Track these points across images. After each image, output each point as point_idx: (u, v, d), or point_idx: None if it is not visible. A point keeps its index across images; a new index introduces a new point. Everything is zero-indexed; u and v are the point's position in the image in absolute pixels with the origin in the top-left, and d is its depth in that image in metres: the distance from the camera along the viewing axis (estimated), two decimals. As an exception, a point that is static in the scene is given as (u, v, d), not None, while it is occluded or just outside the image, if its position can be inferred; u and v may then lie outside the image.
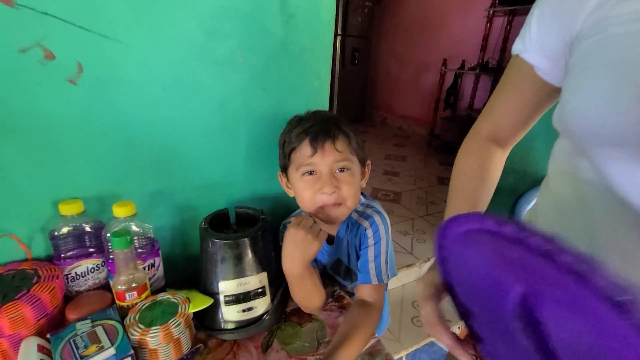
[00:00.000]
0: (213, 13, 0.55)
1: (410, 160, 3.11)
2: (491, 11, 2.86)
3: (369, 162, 0.64)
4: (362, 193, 0.66)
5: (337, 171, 0.56)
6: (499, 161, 0.46)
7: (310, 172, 0.56)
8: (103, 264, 0.59)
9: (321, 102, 0.72)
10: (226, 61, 0.59)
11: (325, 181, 0.55)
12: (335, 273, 0.71)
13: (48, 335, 0.46)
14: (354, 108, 4.48)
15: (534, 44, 0.37)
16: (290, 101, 0.68)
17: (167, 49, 0.54)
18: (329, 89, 0.72)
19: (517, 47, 0.40)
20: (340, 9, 3.91)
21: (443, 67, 3.38)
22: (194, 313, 0.54)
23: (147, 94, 0.55)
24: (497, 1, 2.80)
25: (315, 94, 0.71)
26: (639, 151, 0.27)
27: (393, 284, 1.59)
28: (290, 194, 0.61)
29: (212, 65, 0.58)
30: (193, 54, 0.56)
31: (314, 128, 0.55)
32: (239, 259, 0.55)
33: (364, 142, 0.69)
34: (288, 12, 0.61)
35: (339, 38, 4.04)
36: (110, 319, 0.49)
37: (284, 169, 0.61)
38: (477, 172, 0.44)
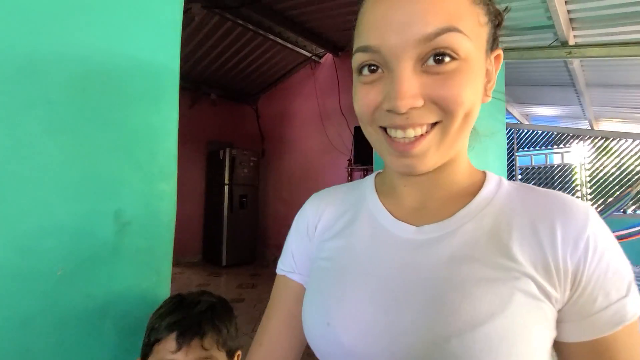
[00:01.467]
0: (31, 233, 0.56)
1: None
2: (349, 168, 3.63)
3: (239, 352, 0.63)
4: None
5: None
6: None
7: None
8: None
9: (162, 295, 0.72)
10: (41, 275, 0.57)
11: None
12: None
13: None
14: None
15: (298, 266, 0.48)
16: (122, 301, 0.66)
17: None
18: (169, 283, 0.73)
19: (280, 268, 0.50)
20: (227, 163, 4.34)
21: (321, 211, 3.87)
22: None
23: None
24: (352, 161, 3.61)
25: (154, 289, 0.71)
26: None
27: None
28: None
29: (22, 281, 0.55)
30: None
31: (184, 322, 0.55)
32: None
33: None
34: (123, 221, 0.66)
35: (226, 187, 4.33)
36: None
37: (144, 356, 0.57)
38: None
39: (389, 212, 0.42)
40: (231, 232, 4.34)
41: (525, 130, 6.03)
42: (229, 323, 0.60)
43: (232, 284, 3.69)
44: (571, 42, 2.48)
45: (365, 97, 0.35)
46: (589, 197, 5.48)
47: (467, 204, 0.38)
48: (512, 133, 6.06)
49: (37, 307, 0.57)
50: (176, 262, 4.60)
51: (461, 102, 0.32)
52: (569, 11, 2.25)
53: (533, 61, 3.00)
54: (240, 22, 3.34)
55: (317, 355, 0.39)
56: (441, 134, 0.34)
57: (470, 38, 0.33)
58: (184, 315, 0.57)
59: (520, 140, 6.16)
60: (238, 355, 0.63)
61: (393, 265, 0.37)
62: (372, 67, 0.35)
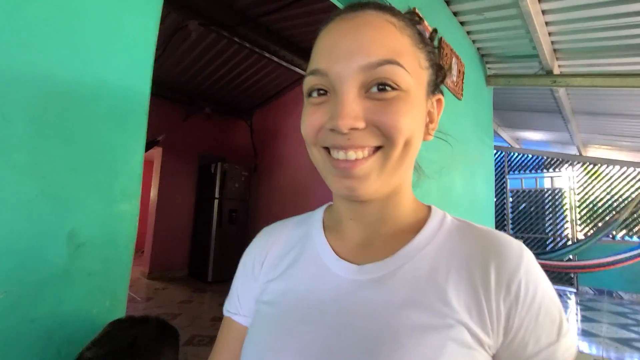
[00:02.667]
0: (-28, 254, 0.54)
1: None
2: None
3: None
4: None
5: None
6: None
7: None
8: None
9: (116, 316, 0.69)
10: (-19, 299, 0.54)
11: None
12: None
13: None
14: (232, 265, 4.39)
15: (243, 307, 0.47)
16: (69, 327, 0.63)
17: None
18: (124, 308, 0.71)
19: (226, 309, 0.48)
20: (218, 177, 4.32)
21: (310, 229, 3.81)
22: None
23: None
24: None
25: (106, 314, 0.68)
26: None
27: None
28: None
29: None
30: None
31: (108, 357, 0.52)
32: None
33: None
34: (76, 242, 0.64)
35: (216, 201, 4.30)
36: None
37: None
38: None
39: (333, 249, 0.41)
40: (219, 247, 4.27)
41: (516, 154, 6.11)
42: (170, 357, 0.57)
43: (215, 301, 3.60)
44: (556, 71, 2.55)
45: (310, 117, 0.37)
46: (579, 221, 5.51)
47: (409, 241, 0.38)
48: (503, 156, 6.13)
49: (-27, 333, 0.54)
50: (160, 277, 4.51)
51: (400, 129, 0.34)
52: (552, 42, 2.32)
53: (521, 88, 3.07)
54: (237, 40, 3.40)
55: None
56: (382, 160, 0.35)
57: (411, 74, 0.35)
58: (116, 348, 0.54)
59: (511, 163, 6.23)
60: None
61: (331, 310, 0.36)
62: (321, 91, 0.36)
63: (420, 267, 0.36)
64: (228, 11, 3.17)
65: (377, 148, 0.35)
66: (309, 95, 0.37)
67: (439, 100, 0.41)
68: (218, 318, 3.11)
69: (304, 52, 3.83)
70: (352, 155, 0.34)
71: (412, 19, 0.39)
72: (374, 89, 0.34)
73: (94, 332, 0.63)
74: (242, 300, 0.47)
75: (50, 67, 0.62)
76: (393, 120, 0.33)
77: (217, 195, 4.34)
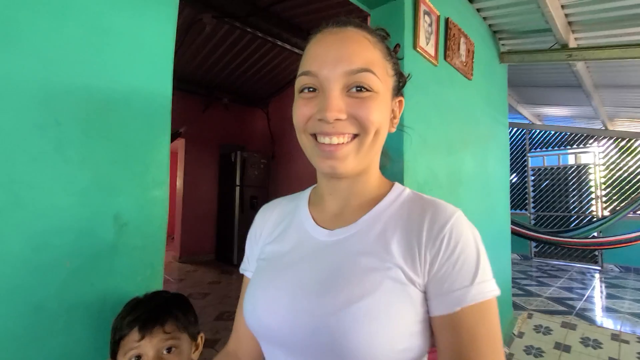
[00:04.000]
0: (42, 230, 0.68)
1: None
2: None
3: (201, 334, 0.73)
4: None
5: (164, 352, 0.63)
6: None
7: (138, 356, 0.62)
8: None
9: (155, 287, 0.83)
10: (52, 267, 0.69)
11: None
12: None
13: None
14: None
15: (251, 265, 0.59)
16: (120, 290, 0.78)
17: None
18: (161, 277, 0.85)
19: (241, 267, 0.62)
20: (238, 165, 4.50)
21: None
22: None
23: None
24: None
25: (148, 281, 0.83)
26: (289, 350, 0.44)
27: None
28: None
29: (36, 272, 0.67)
30: (14, 263, 0.65)
31: (143, 316, 0.65)
32: None
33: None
34: (121, 222, 0.78)
35: (237, 188, 4.49)
36: None
37: (113, 354, 0.65)
38: None
39: (314, 219, 0.53)
40: (242, 231, 4.49)
41: (538, 131, 5.92)
42: (186, 311, 0.70)
43: (241, 282, 3.83)
44: (572, 44, 2.48)
45: (302, 109, 0.47)
46: (604, 198, 5.34)
47: (369, 211, 0.50)
48: (524, 134, 5.96)
49: (49, 294, 0.69)
50: (190, 261, 4.81)
51: (372, 121, 0.45)
52: (566, 15, 2.26)
53: (538, 63, 2.99)
54: (249, 30, 3.49)
55: (252, 331, 0.50)
56: (358, 145, 0.46)
57: (381, 80, 0.47)
58: (143, 310, 0.65)
59: (532, 140, 6.05)
60: (201, 337, 0.73)
61: (308, 261, 0.49)
62: (310, 89, 0.46)
63: (374, 229, 0.48)
64: (239, 2, 3.24)
65: (354, 136, 0.45)
66: (301, 91, 0.47)
67: (400, 101, 0.53)
68: (244, 297, 3.33)
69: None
70: (335, 140, 0.44)
71: (382, 35, 0.51)
72: (353, 90, 0.45)
73: (140, 293, 0.77)
74: (250, 260, 0.60)
75: (88, 79, 0.75)
76: (367, 114, 0.44)
77: (238, 182, 4.54)
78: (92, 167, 0.75)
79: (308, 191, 0.60)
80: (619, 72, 3.01)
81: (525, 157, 5.98)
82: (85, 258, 0.74)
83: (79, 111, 0.74)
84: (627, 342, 2.48)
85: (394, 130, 0.52)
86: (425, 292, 0.43)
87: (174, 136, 4.36)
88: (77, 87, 0.73)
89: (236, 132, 5.41)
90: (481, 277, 0.42)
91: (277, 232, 0.56)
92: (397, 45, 0.57)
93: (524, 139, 5.99)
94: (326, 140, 0.45)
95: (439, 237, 0.43)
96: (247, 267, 0.61)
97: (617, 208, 5.01)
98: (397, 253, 0.44)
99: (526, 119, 5.16)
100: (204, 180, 5.01)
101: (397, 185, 0.54)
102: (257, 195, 4.74)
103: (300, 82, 0.47)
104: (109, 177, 0.78)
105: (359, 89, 0.44)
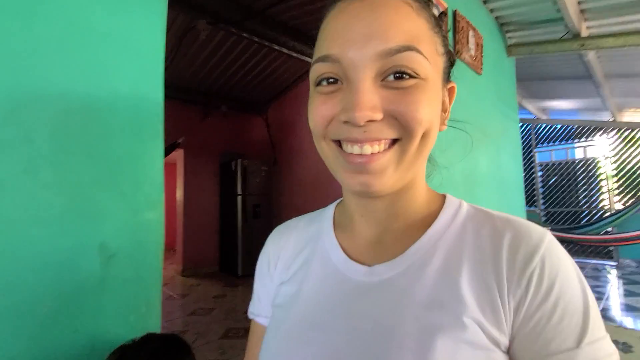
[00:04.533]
0: (13, 270, 0.56)
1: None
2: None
3: None
4: None
5: None
6: None
7: None
8: None
9: (152, 326, 0.71)
10: (24, 313, 0.57)
11: None
12: None
13: None
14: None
15: (264, 308, 0.46)
16: (110, 334, 0.66)
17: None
18: (159, 313, 0.73)
19: (250, 311, 0.49)
20: (239, 174, 4.39)
21: (333, 218, 3.82)
22: None
23: None
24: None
25: (143, 320, 0.70)
26: None
27: None
28: None
29: (5, 320, 0.55)
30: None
31: None
32: None
33: None
34: (108, 253, 0.66)
35: (239, 197, 4.38)
36: None
37: None
38: None
39: (343, 248, 0.40)
40: (246, 242, 4.37)
41: (544, 125, 5.81)
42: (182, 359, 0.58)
43: (247, 295, 3.70)
44: (584, 33, 2.37)
45: (320, 107, 0.34)
46: (616, 191, 5.20)
47: (420, 237, 0.36)
48: (530, 129, 5.85)
49: (22, 347, 0.57)
50: (194, 274, 4.68)
51: (420, 119, 0.31)
52: (579, 2, 2.16)
53: (545, 56, 2.88)
54: (245, 35, 3.39)
55: None
56: (400, 153, 0.32)
57: (430, 62, 0.33)
58: None
59: (539, 136, 5.93)
60: None
61: (340, 315, 0.35)
62: (331, 80, 0.33)
63: (431, 263, 0.34)
64: (233, 7, 3.15)
65: (394, 141, 0.32)
66: (318, 83, 0.34)
67: (452, 88, 0.39)
68: (251, 311, 3.20)
69: (313, 41, 3.74)
70: (367, 149, 0.32)
71: (426, 0, 0.36)
72: (391, 77, 0.31)
73: (134, 334, 0.65)
74: (262, 302, 0.47)
75: (65, 85, 0.63)
76: (412, 111, 0.31)
77: (239, 191, 4.42)
78: (71, 190, 0.63)
79: (330, 210, 0.46)
80: (632, 60, 2.90)
81: (532, 153, 5.86)
82: (66, 298, 0.61)
83: (54, 124, 0.62)
84: (658, 344, 2.34)
85: (445, 128, 0.39)
86: (509, 353, 0.31)
87: (172, 147, 4.25)
88: (51, 96, 0.62)
89: (236, 140, 5.30)
90: (592, 334, 0.29)
91: (296, 267, 0.43)
92: (443, 13, 0.44)
93: (530, 134, 5.87)
94: (355, 149, 0.32)
95: (525, 273, 0.30)
96: (260, 312, 0.47)
97: (631, 201, 4.87)
98: (470, 300, 0.31)
99: (531, 113, 5.05)
100: (204, 190, 4.90)
101: (450, 198, 0.40)
102: (259, 203, 4.62)
103: (315, 71, 0.34)
104: (92, 200, 0.66)
105: (399, 75, 0.31)
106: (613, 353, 0.29)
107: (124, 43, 0.71)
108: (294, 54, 3.87)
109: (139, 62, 0.73)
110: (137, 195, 0.71)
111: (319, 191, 4.35)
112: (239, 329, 2.68)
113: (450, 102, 0.39)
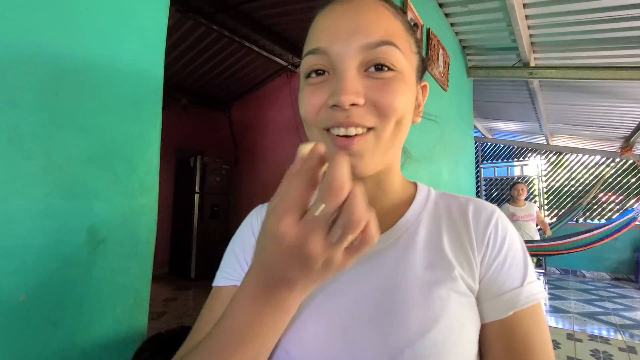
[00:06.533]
0: (-11, 254, 0.49)
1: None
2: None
3: None
4: None
5: None
6: None
7: None
8: None
9: (139, 320, 0.66)
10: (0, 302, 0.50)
11: None
12: None
13: None
14: (216, 261, 4.29)
15: (243, 274, 0.45)
16: (93, 329, 0.59)
17: None
18: (147, 306, 0.67)
19: (225, 277, 0.45)
20: (198, 171, 4.19)
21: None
22: None
23: None
24: (328, 171, 3.61)
25: (130, 312, 0.65)
26: None
27: None
28: None
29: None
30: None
31: None
32: None
33: None
34: (97, 238, 0.60)
35: (197, 196, 4.17)
36: None
37: None
38: None
39: None
40: (201, 242, 4.16)
41: (489, 144, 6.38)
42: None
43: (201, 297, 3.52)
44: (532, 63, 2.66)
45: (310, 97, 0.37)
46: (546, 206, 5.87)
47: (404, 214, 0.43)
48: (477, 146, 6.39)
49: (-7, 340, 0.49)
50: (140, 276, 4.34)
51: (395, 108, 0.36)
52: (530, 35, 2.43)
53: (497, 80, 3.19)
54: (216, 27, 3.27)
55: None
56: (375, 139, 0.37)
57: (405, 57, 0.38)
58: None
59: (485, 153, 6.51)
60: None
61: (345, 281, 0.38)
62: (319, 72, 0.37)
63: (418, 233, 0.41)
64: (207, -3, 3.04)
65: (369, 129, 0.36)
66: (308, 75, 0.38)
67: (424, 86, 0.45)
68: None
69: (285, 42, 3.76)
70: (352, 130, 0.35)
71: (401, 7, 0.43)
72: (372, 69, 0.36)
73: (120, 333, 0.60)
74: (244, 268, 0.45)
75: (60, 48, 0.57)
76: (389, 99, 0.35)
77: (197, 189, 4.21)
78: (60, 166, 0.56)
79: None
80: (565, 92, 3.32)
81: (479, 168, 6.40)
82: (47, 288, 0.54)
83: (45, 90, 0.55)
84: (580, 340, 2.67)
85: (419, 120, 0.44)
86: (476, 298, 0.38)
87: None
88: (43, 58, 0.55)
89: (195, 136, 5.06)
90: (530, 277, 0.38)
91: None
92: (416, 25, 0.49)
93: (477, 151, 6.41)
94: (341, 131, 0.36)
95: (486, 234, 0.39)
96: (240, 277, 0.44)
97: (559, 214, 5.52)
98: (453, 259, 0.38)
99: (480, 132, 5.51)
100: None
101: (420, 184, 0.48)
102: (218, 203, 4.44)
103: (306, 64, 0.38)
104: (83, 179, 0.59)
105: (379, 67, 0.36)
106: (542, 290, 0.39)
107: (127, 12, 0.66)
108: (264, 53, 3.82)
109: (140, 33, 0.68)
110: (132, 178, 0.66)
111: (280, 193, 4.31)
112: (194, 333, 2.54)
113: (423, 99, 0.45)
